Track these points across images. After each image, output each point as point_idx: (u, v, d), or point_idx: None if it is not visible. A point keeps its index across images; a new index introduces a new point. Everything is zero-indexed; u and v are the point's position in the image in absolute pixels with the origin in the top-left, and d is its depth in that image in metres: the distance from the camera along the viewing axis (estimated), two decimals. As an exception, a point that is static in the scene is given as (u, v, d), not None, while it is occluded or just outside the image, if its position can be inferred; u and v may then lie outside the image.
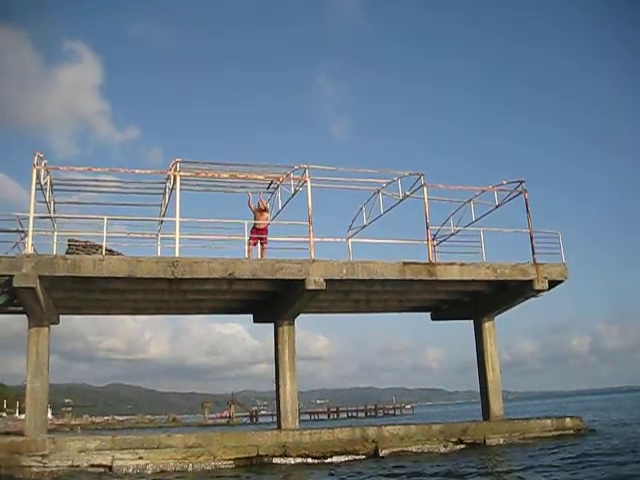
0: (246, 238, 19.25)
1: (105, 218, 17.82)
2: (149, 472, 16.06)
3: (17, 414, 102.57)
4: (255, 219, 20.73)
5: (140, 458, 16.37)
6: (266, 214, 21.23)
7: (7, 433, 28.36)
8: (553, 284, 21.31)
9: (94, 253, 18.10)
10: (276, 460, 17.30)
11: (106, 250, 17.94)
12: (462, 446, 19.28)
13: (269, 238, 20.68)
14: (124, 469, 16.05)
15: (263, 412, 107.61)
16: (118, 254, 18.39)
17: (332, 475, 15.07)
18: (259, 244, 20.58)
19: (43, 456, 15.99)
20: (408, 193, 21.59)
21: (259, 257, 20.07)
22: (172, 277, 17.50)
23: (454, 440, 19.37)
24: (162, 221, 20.84)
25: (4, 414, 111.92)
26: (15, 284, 16.36)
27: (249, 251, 19.74)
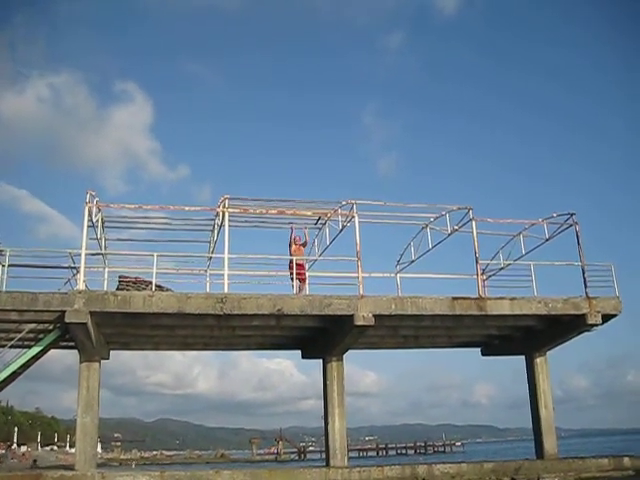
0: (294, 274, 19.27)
1: (155, 255, 17.99)
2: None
3: (67, 447, 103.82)
4: (292, 254, 20.59)
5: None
6: (303, 249, 21.24)
7: (57, 467, 28.58)
8: (607, 318, 20.78)
9: (144, 289, 18.27)
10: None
11: (156, 286, 18.12)
12: (515, 485, 18.80)
13: (310, 273, 20.56)
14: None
15: (311, 448, 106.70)
16: (167, 290, 18.51)
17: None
18: (297, 280, 20.09)
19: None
20: (456, 227, 21.40)
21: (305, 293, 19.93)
22: (221, 313, 17.55)
23: (507, 479, 18.90)
24: (211, 257, 21.00)
25: (55, 447, 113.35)
26: (67, 319, 16.60)
27: (296, 287, 19.70)
